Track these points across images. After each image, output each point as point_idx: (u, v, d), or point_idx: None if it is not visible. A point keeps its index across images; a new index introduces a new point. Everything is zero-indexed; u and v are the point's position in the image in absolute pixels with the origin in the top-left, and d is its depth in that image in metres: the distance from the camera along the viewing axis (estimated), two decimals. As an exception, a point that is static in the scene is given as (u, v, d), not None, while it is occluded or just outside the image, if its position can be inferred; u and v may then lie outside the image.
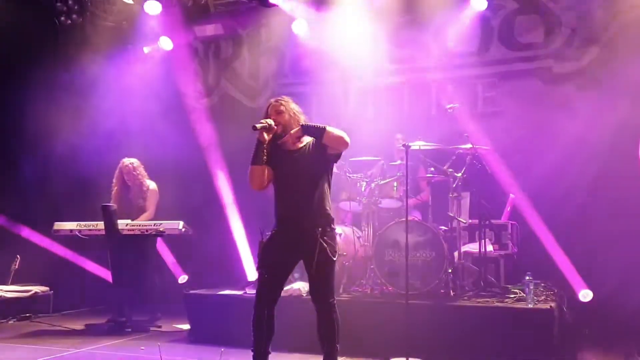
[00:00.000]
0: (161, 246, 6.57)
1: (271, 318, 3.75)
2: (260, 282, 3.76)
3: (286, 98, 3.88)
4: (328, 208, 3.80)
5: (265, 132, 3.67)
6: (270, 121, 3.69)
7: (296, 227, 3.70)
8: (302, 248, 3.72)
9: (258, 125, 3.66)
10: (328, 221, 3.76)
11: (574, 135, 5.97)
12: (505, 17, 6.42)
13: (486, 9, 6.35)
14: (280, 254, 3.73)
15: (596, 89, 5.98)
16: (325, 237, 3.68)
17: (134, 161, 6.12)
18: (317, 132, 3.68)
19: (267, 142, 3.67)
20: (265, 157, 3.67)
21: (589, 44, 6.13)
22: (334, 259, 3.72)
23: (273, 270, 3.73)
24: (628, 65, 5.69)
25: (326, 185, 3.81)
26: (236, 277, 6.48)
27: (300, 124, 3.74)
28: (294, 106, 3.85)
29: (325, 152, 3.76)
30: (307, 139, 3.84)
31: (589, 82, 6.05)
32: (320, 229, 3.68)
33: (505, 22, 6.43)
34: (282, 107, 3.78)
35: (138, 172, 6.08)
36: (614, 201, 5.74)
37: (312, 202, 3.71)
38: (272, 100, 3.87)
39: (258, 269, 3.79)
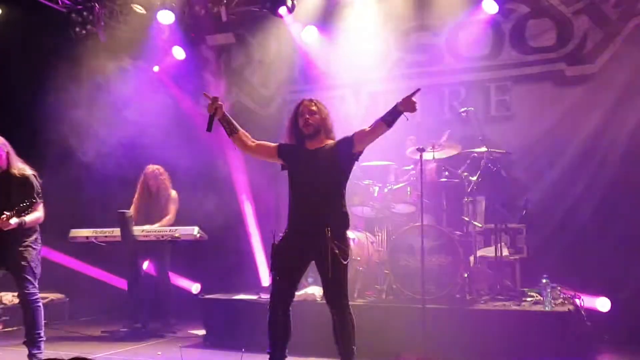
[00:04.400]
0: (176, 252, 6.57)
1: (287, 320, 3.75)
2: (274, 285, 3.77)
3: (317, 100, 3.89)
4: (344, 209, 3.77)
5: (214, 104, 3.71)
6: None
7: (308, 229, 3.68)
8: (313, 250, 3.69)
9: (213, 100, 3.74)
10: (342, 223, 3.73)
11: (588, 138, 5.95)
12: (516, 21, 6.41)
13: (497, 13, 6.33)
14: (292, 255, 3.72)
15: (609, 91, 5.96)
16: (336, 241, 3.64)
17: (159, 167, 6.21)
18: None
19: (215, 114, 3.71)
20: (230, 127, 3.78)
21: (601, 47, 6.10)
22: (345, 262, 3.66)
23: (285, 273, 3.73)
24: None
25: (343, 187, 3.80)
26: (250, 282, 6.49)
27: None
28: (324, 107, 3.87)
29: (352, 150, 3.73)
30: (329, 141, 3.84)
31: (602, 85, 6.02)
32: (331, 231, 3.63)
33: (516, 25, 6.42)
34: (314, 108, 3.80)
35: (163, 178, 6.16)
36: (631, 204, 5.68)
37: (326, 203, 3.70)
38: (305, 99, 3.87)
39: (271, 271, 3.80)
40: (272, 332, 3.74)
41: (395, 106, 3.64)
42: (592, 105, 6.01)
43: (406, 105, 3.61)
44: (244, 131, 3.88)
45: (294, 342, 4.65)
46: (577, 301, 5.06)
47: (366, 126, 3.75)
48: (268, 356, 3.78)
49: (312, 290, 5.28)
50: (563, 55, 6.25)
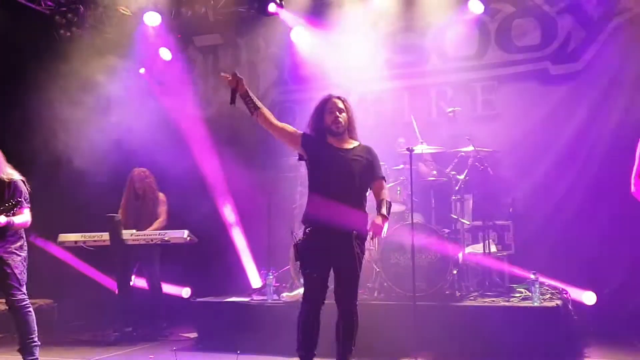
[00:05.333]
0: (165, 255, 6.56)
1: (319, 320, 3.68)
2: (310, 283, 3.67)
3: (345, 97, 3.84)
4: (365, 211, 3.77)
5: (234, 79, 3.61)
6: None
7: (335, 227, 3.60)
8: (336, 248, 3.64)
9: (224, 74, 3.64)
10: (366, 224, 3.72)
11: (573, 135, 6.05)
12: (502, 21, 6.51)
13: (483, 12, 6.42)
14: (321, 254, 3.65)
15: (593, 89, 6.06)
16: (358, 241, 3.65)
17: (145, 170, 6.19)
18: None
19: (237, 88, 3.62)
20: (253, 103, 3.67)
21: (584, 46, 6.20)
22: (362, 262, 3.72)
23: (319, 271, 3.65)
24: (625, 66, 5.76)
25: (366, 189, 3.80)
26: (240, 284, 6.49)
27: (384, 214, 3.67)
28: (350, 106, 3.82)
29: (371, 174, 3.77)
30: (355, 143, 3.82)
31: (585, 83, 6.12)
32: (355, 231, 3.64)
33: (502, 25, 6.51)
34: (342, 105, 3.75)
35: (150, 180, 6.14)
36: (615, 201, 5.77)
37: (356, 204, 3.68)
38: (334, 95, 3.80)
39: (303, 270, 3.70)
40: (306, 333, 3.63)
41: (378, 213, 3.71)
42: (576, 103, 6.11)
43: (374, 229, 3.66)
44: (266, 109, 3.79)
45: (284, 342, 4.66)
46: (565, 296, 5.16)
47: (385, 188, 3.85)
48: (298, 353, 3.69)
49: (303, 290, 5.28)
50: (548, 54, 6.36)
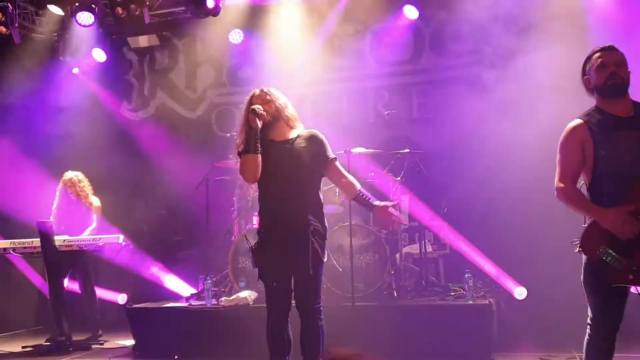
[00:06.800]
0: (100, 261, 6.39)
1: (288, 328, 3.49)
2: (270, 292, 3.47)
3: (272, 89, 3.65)
4: (320, 204, 3.58)
5: (258, 119, 3.40)
6: (260, 107, 3.44)
7: (286, 225, 3.43)
8: (293, 247, 3.42)
9: (256, 108, 3.39)
10: (321, 218, 3.52)
11: (505, 138, 6.27)
12: (436, 27, 6.68)
13: (418, 19, 6.59)
14: (279, 256, 3.44)
15: (522, 94, 6.30)
16: (316, 237, 3.44)
17: (78, 174, 5.98)
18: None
19: (259, 130, 3.41)
20: (258, 145, 3.43)
21: (515, 52, 6.45)
22: (324, 259, 3.50)
23: (279, 277, 3.45)
24: (553, 72, 6.02)
25: (318, 179, 3.59)
26: (169, 291, 6.40)
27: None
28: (280, 95, 3.64)
29: (321, 168, 3.56)
30: (297, 131, 3.63)
31: (515, 87, 6.36)
32: (312, 227, 3.44)
33: (436, 31, 6.69)
34: (268, 97, 3.56)
35: (83, 185, 5.95)
36: (543, 201, 6.01)
37: (303, 197, 3.47)
38: (257, 90, 3.62)
39: (262, 278, 3.50)
40: (276, 343, 3.43)
41: (374, 205, 3.51)
42: (507, 107, 6.33)
43: (382, 215, 3.51)
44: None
45: (224, 347, 4.63)
46: (497, 292, 5.35)
47: (346, 173, 3.62)
48: None
49: (244, 294, 5.26)
50: (480, 59, 6.57)
